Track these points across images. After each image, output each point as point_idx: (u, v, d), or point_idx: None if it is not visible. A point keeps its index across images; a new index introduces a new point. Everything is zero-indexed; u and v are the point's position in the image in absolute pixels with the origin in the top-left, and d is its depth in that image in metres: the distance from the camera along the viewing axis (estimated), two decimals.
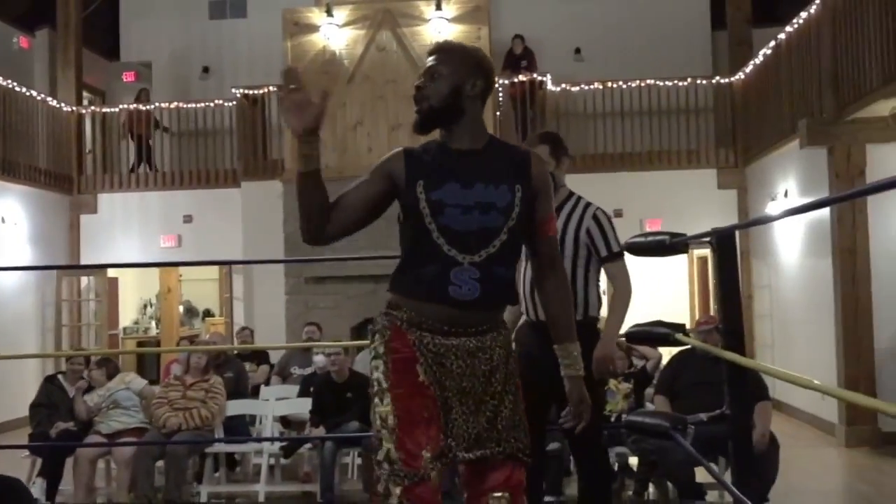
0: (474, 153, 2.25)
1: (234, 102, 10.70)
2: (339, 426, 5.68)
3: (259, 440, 6.18)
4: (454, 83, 2.25)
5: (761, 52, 9.29)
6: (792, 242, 8.70)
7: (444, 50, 2.33)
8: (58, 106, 10.77)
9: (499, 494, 2.20)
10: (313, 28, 10.06)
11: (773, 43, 8.88)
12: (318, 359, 6.63)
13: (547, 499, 5.19)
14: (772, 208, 8.96)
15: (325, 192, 2.23)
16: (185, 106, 11.14)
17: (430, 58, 2.32)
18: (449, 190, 2.18)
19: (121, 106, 11.32)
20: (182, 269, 13.18)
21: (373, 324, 2.31)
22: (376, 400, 2.19)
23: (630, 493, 5.44)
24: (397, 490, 2.08)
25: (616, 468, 5.53)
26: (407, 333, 2.19)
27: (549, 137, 3.48)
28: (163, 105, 11.12)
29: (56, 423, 5.91)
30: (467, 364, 2.19)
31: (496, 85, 10.30)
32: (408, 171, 2.21)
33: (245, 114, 10.59)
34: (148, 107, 11.10)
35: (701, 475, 4.77)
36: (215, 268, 13.16)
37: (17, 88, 9.89)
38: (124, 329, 13.06)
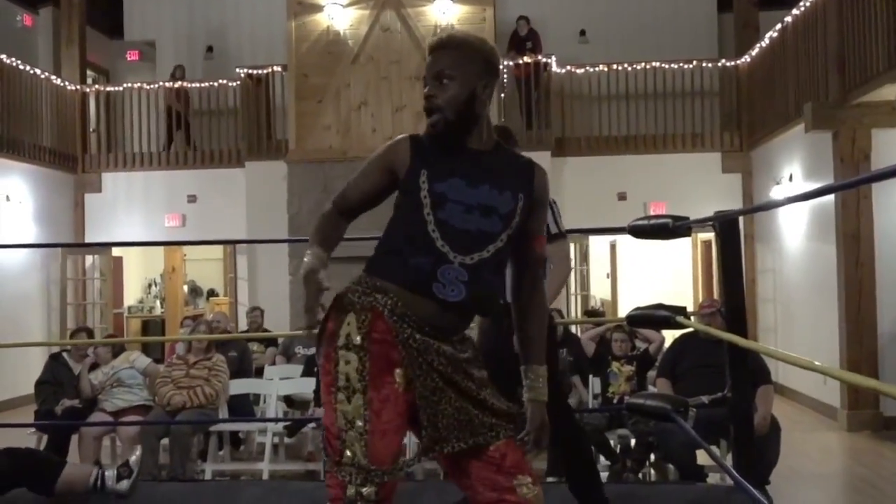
0: (483, 154, 2.16)
1: (239, 82, 10.68)
2: None
3: (263, 420, 6.22)
4: (468, 90, 2.12)
5: (767, 35, 9.25)
6: (796, 227, 8.70)
7: (449, 47, 2.15)
8: (62, 84, 10.76)
9: (522, 481, 2.08)
10: (317, 8, 10.02)
11: (779, 26, 8.83)
12: None
13: (549, 479, 5.23)
14: (776, 192, 8.95)
15: (336, 233, 2.26)
16: (188, 85, 11.12)
17: (434, 55, 2.16)
18: (454, 185, 2.09)
19: (152, 83, 11.30)
20: (186, 249, 13.22)
21: (341, 299, 2.10)
22: (340, 396, 2.02)
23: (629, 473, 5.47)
24: (371, 492, 1.99)
25: (618, 450, 5.57)
26: (389, 323, 2.04)
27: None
28: (166, 84, 11.10)
29: (61, 401, 5.96)
30: (448, 360, 2.08)
31: (501, 66, 10.25)
32: (413, 159, 2.13)
33: (249, 94, 10.58)
34: (151, 85, 11.08)
35: (702, 457, 4.80)
36: (219, 248, 13.20)
37: (21, 66, 9.87)
38: (129, 308, 13.12)
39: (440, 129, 2.12)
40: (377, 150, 2.24)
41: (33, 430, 6.08)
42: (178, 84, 11.05)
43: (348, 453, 2.00)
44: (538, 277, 2.27)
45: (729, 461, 3.51)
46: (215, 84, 11.00)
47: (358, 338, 2.03)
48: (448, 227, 2.06)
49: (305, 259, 2.15)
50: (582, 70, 10.57)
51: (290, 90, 10.14)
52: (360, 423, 2.00)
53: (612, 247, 12.60)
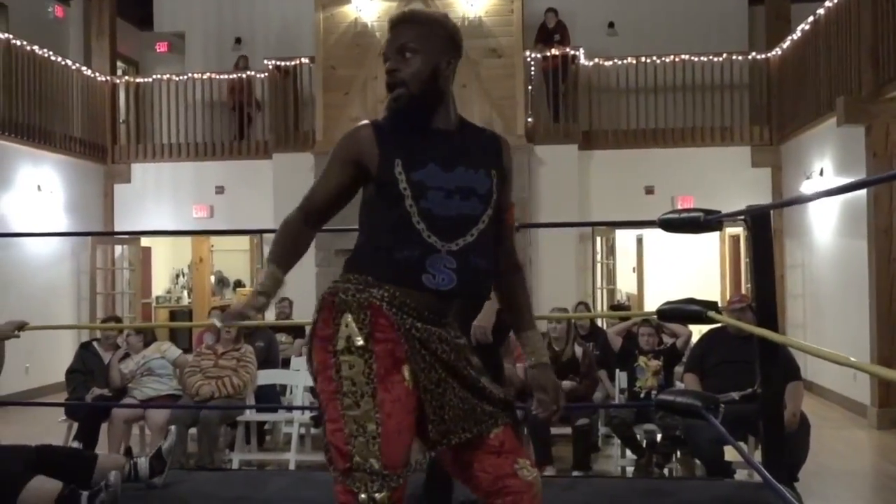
0: (451, 134, 2.10)
1: (266, 74, 10.73)
2: None
3: (290, 408, 6.25)
4: (432, 65, 2.05)
5: (799, 28, 9.13)
6: (826, 222, 8.60)
7: (412, 21, 2.08)
8: (92, 75, 10.86)
9: (522, 464, 2.09)
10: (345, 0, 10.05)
11: (811, 18, 8.72)
12: None
13: (574, 474, 5.23)
14: (806, 187, 8.84)
15: (298, 247, 2.23)
16: (217, 77, 11.18)
17: (396, 30, 2.09)
18: (430, 171, 2.02)
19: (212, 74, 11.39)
20: (214, 240, 13.32)
21: (329, 298, 2.05)
22: (347, 401, 1.95)
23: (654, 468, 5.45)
24: (385, 497, 1.94)
25: (644, 445, 5.55)
26: (389, 315, 1.99)
27: None
28: (195, 76, 11.16)
29: (91, 389, 6.03)
30: (451, 347, 2.06)
31: (528, 58, 10.30)
32: (381, 149, 2.04)
33: (277, 85, 10.62)
34: (180, 77, 11.17)
35: (729, 453, 4.77)
36: (246, 239, 13.26)
37: (53, 58, 9.98)
38: (157, 298, 13.23)
39: (402, 103, 2.04)
40: (337, 143, 2.12)
41: (64, 417, 6.16)
42: (207, 76, 11.12)
43: (358, 459, 1.93)
44: (514, 248, 2.25)
45: (757, 458, 3.48)
46: (243, 76, 11.05)
47: (360, 339, 1.97)
48: (432, 216, 2.01)
49: (260, 278, 2.14)
50: (610, 63, 10.50)
51: (317, 82, 10.17)
52: (371, 427, 1.94)
53: (639, 241, 12.54)
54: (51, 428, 6.99)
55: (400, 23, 2.09)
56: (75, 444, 5.83)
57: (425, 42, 2.05)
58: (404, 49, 2.04)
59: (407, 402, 1.99)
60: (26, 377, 9.07)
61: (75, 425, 6.03)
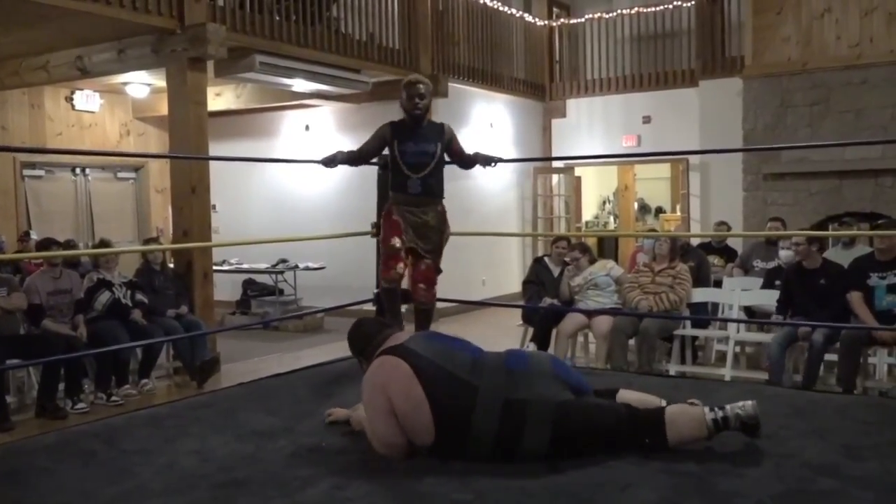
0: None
1: (693, 2, 10.33)
2: (808, 316, 5.38)
3: (728, 320, 6.12)
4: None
5: None
6: None
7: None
8: (532, 21, 11.40)
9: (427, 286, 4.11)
10: None
11: None
12: (784, 253, 6.32)
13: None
14: None
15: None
16: (644, 10, 11.05)
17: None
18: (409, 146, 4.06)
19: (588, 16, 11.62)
20: (637, 169, 13.40)
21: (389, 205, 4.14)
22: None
23: None
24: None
25: None
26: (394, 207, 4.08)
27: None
28: (623, 11, 11.16)
29: (543, 298, 6.46)
30: (419, 220, 4.03)
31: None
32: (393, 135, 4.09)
33: (704, 13, 10.19)
34: (609, 14, 11.24)
35: None
36: (667, 167, 13.14)
37: (501, 8, 10.65)
38: (586, 223, 13.73)
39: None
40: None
41: (521, 322, 6.71)
42: (634, 10, 11.05)
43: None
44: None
45: None
46: (670, 6, 10.78)
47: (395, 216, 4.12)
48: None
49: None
50: None
51: (746, 4, 9.55)
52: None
53: None
54: (508, 331, 7.70)
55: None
56: (531, 346, 6.31)
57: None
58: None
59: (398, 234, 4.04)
60: (483, 288, 10.04)
61: (530, 330, 6.53)
